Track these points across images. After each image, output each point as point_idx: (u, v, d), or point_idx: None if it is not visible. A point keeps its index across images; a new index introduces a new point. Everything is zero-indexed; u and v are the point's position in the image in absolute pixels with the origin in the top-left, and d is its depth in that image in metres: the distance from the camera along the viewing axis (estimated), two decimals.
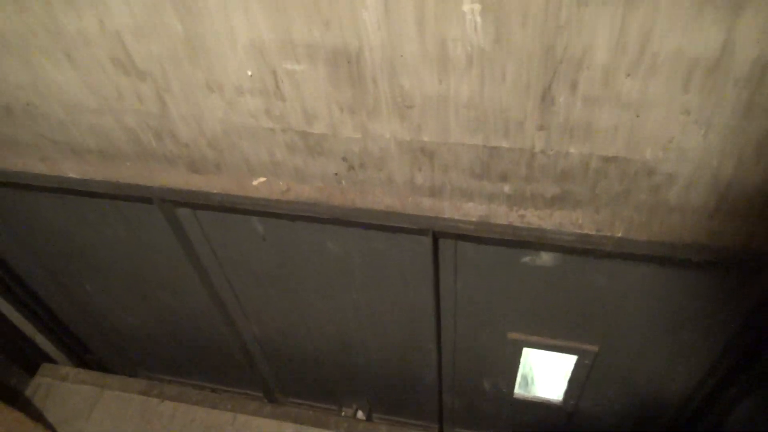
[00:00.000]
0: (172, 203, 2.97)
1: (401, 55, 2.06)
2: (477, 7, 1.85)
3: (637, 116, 2.05)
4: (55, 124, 2.76)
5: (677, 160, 2.16)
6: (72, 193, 3.09)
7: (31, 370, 4.71)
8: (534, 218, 2.46)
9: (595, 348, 3.21)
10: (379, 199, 2.60)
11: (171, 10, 2.13)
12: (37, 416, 4.37)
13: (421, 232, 2.70)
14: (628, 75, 1.93)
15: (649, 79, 1.92)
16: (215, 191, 2.75)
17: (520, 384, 3.80)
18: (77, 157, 2.88)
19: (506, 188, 2.45)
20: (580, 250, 2.56)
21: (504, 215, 2.49)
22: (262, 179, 2.71)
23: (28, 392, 4.58)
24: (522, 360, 3.53)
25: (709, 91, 1.92)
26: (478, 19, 1.88)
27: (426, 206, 2.58)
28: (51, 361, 4.96)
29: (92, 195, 3.04)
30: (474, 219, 2.49)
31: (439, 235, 2.73)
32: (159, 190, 2.84)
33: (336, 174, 2.61)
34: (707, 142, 2.08)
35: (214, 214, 3.03)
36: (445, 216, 2.51)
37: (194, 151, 2.69)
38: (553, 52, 1.92)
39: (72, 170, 2.90)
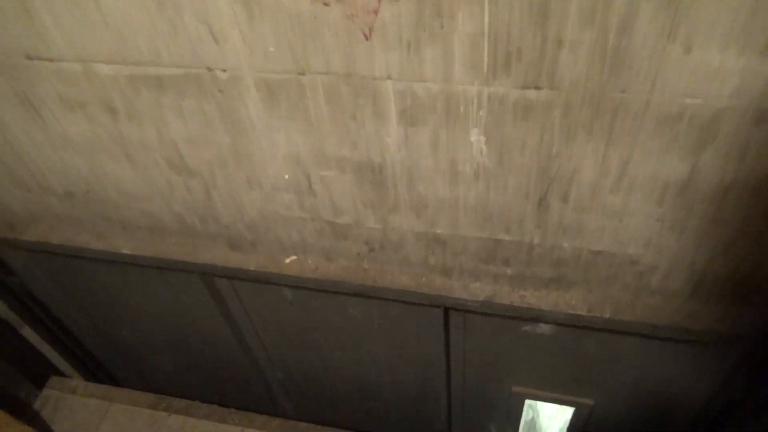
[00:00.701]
0: (212, 275, 3.33)
1: (418, 169, 2.41)
2: (482, 138, 2.20)
3: (620, 221, 2.38)
4: (110, 207, 3.12)
5: (656, 254, 2.48)
6: (122, 264, 3.45)
7: (43, 384, 4.59)
8: (533, 299, 2.79)
9: (590, 402, 3.51)
10: (397, 278, 2.94)
11: (221, 127, 2.49)
12: (45, 429, 4.31)
13: (433, 305, 3.03)
14: (611, 192, 2.26)
15: (628, 196, 2.25)
16: (252, 267, 3.10)
17: (523, 429, 4.11)
18: (128, 234, 3.25)
19: (509, 271, 2.78)
20: (574, 325, 2.90)
21: (507, 295, 2.82)
22: (294, 257, 3.07)
23: (36, 405, 4.49)
24: (525, 409, 3.84)
25: (680, 206, 2.24)
26: (484, 146, 2.23)
27: (438, 284, 2.91)
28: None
29: (140, 266, 3.40)
30: (480, 299, 2.82)
31: (449, 309, 3.06)
32: (201, 264, 3.19)
33: (358, 254, 2.96)
34: (681, 242, 2.41)
35: (248, 284, 3.36)
36: (455, 296, 2.85)
37: (234, 232, 3.04)
38: (547, 172, 2.25)
39: (124, 246, 3.25)
